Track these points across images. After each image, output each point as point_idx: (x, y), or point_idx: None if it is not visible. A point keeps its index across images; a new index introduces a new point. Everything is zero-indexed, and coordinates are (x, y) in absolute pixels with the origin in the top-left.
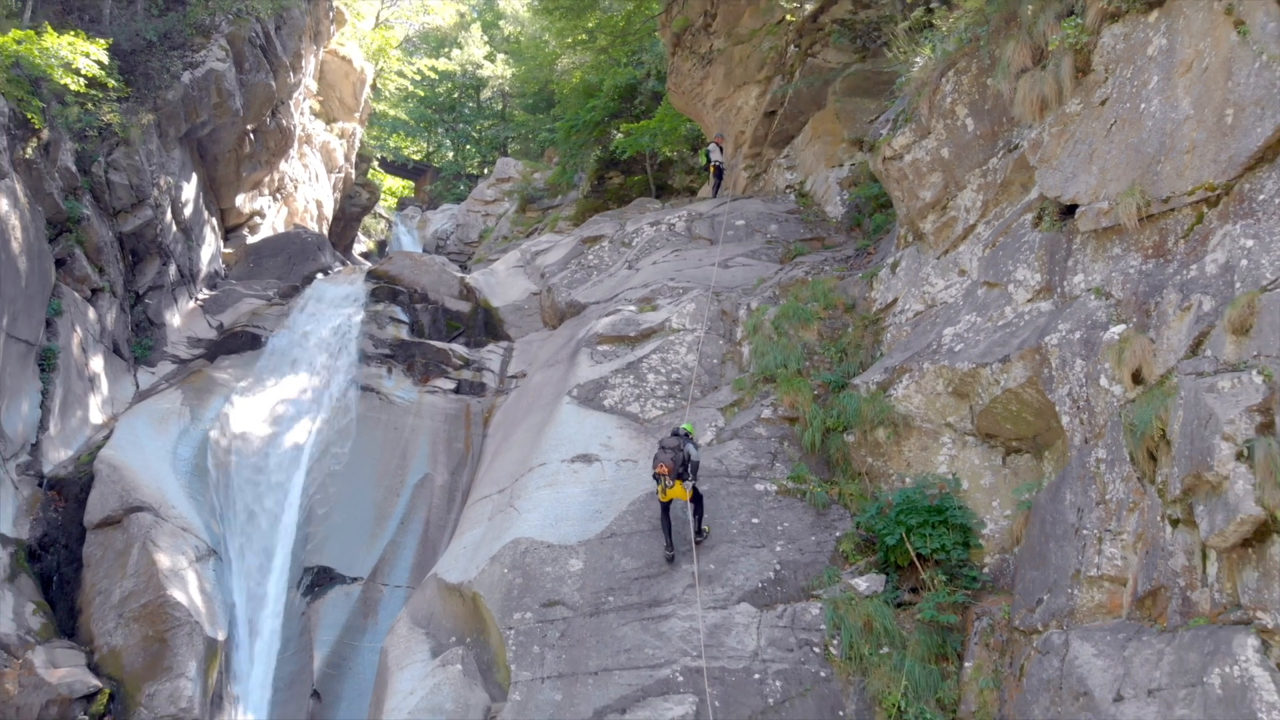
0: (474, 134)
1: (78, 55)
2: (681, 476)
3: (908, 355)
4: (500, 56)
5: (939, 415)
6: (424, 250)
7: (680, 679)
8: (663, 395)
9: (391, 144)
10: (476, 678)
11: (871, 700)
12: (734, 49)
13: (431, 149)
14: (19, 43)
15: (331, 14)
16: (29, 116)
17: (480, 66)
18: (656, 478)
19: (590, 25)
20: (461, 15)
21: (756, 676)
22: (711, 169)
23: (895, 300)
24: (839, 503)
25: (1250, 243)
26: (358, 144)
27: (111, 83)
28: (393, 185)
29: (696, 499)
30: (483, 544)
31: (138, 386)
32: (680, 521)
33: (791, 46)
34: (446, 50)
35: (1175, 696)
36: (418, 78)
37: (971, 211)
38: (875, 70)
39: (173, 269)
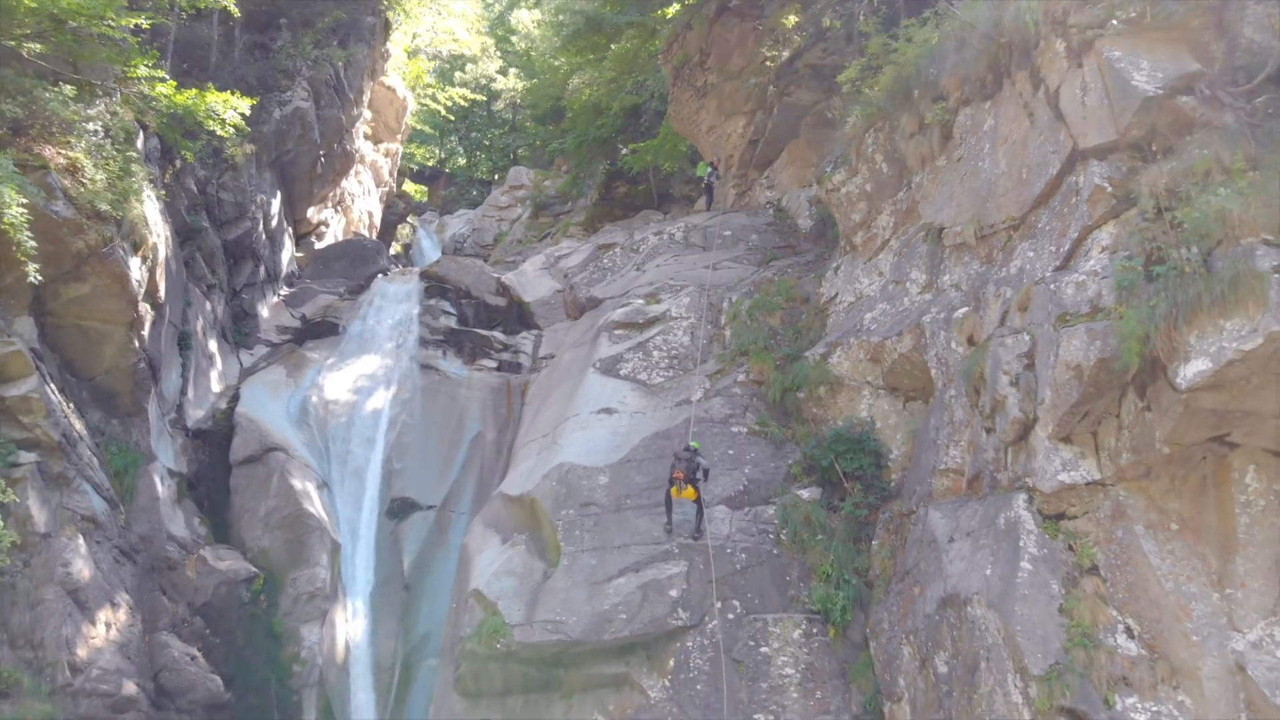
0: (485, 142)
1: (227, 108)
2: (693, 482)
3: (841, 334)
4: (512, 70)
5: (861, 376)
6: (442, 253)
7: (676, 551)
8: (664, 367)
9: (408, 151)
10: (535, 555)
11: (809, 569)
12: (725, 84)
13: (445, 155)
14: (191, 99)
15: (386, 54)
16: (184, 153)
17: (493, 80)
18: (673, 481)
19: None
20: (485, 48)
21: (729, 551)
22: (704, 185)
23: (836, 294)
24: (792, 440)
25: (1032, 254)
26: (399, 161)
27: (248, 129)
28: (408, 189)
29: (699, 504)
30: (535, 468)
31: (241, 365)
32: (680, 514)
33: (771, 86)
34: (461, 64)
35: (980, 533)
36: (449, 103)
37: (886, 230)
38: (846, 96)
39: (262, 270)
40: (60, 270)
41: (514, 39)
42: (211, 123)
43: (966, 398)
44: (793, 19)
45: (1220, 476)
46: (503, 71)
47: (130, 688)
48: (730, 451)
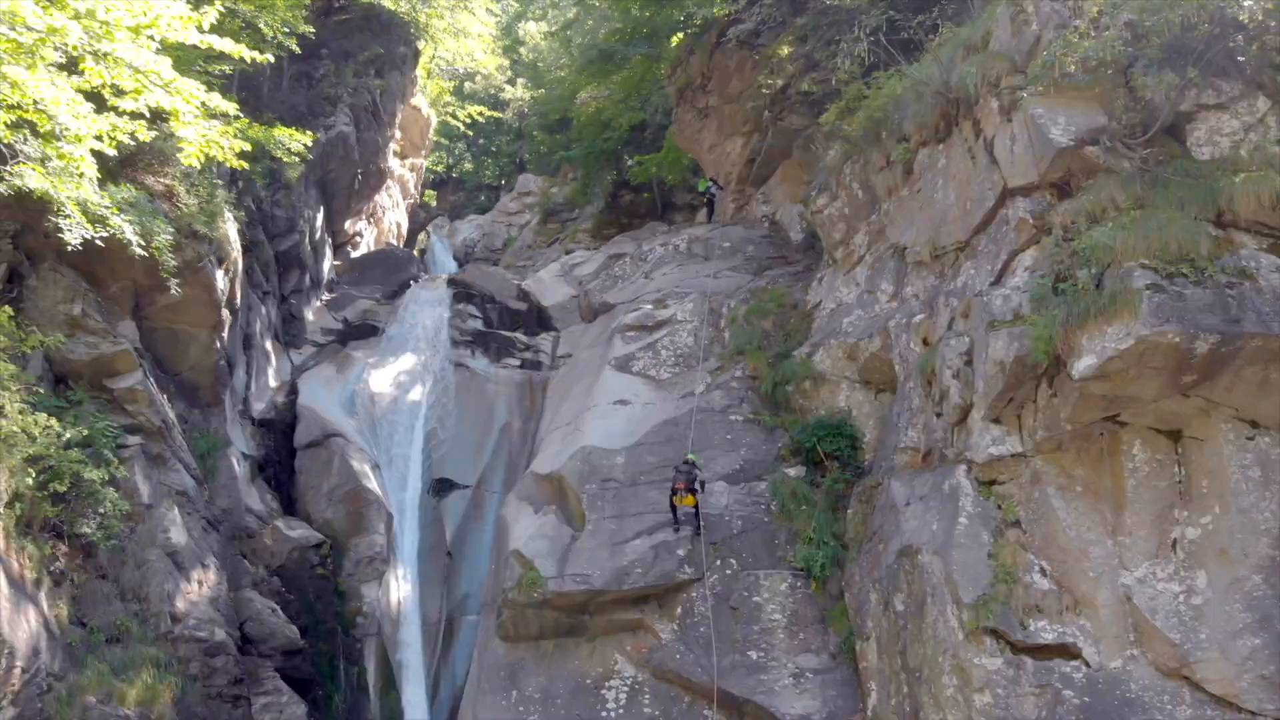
0: (493, 148)
1: (293, 140)
2: (692, 491)
3: (823, 336)
4: (519, 80)
5: (840, 371)
6: (454, 257)
7: (683, 519)
8: (671, 364)
9: None
10: (564, 522)
11: (795, 534)
12: (724, 107)
13: (453, 161)
14: (262, 133)
15: (414, 79)
16: (253, 176)
17: (502, 90)
18: (674, 491)
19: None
20: (499, 67)
21: (726, 519)
22: (705, 199)
23: (820, 302)
24: (781, 427)
25: (974, 271)
26: (422, 175)
27: (310, 157)
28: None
29: (697, 510)
30: (561, 450)
31: (292, 363)
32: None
33: (766, 111)
34: (472, 76)
35: (930, 497)
36: (468, 120)
37: (862, 247)
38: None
39: (307, 277)
40: (158, 281)
41: (521, 50)
42: (279, 152)
43: (921, 388)
44: (786, 49)
45: (1114, 449)
46: (510, 81)
47: (221, 635)
48: (729, 436)
